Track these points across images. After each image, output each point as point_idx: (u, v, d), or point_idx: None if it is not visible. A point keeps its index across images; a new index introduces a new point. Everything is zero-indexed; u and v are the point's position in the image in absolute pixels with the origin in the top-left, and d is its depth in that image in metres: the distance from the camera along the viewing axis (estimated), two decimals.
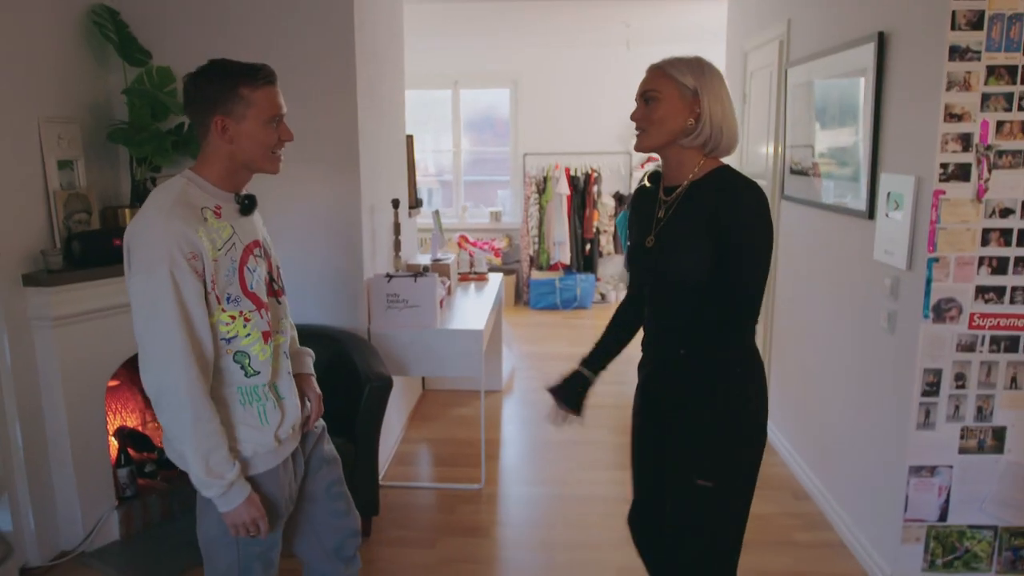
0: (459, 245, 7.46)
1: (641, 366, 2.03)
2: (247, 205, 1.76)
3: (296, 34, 3.27)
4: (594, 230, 7.60)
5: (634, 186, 7.10)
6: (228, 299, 1.68)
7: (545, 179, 7.49)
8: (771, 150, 4.08)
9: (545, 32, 6.40)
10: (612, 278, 7.81)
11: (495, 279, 4.70)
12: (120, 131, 3.10)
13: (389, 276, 3.40)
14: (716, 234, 1.73)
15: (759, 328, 4.23)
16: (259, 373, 1.75)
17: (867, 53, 2.81)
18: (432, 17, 5.38)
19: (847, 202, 3.05)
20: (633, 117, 1.84)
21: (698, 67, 1.80)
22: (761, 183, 4.18)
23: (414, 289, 3.39)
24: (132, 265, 1.61)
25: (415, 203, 4.49)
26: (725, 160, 1.87)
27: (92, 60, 3.20)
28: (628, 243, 2.05)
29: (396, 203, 3.68)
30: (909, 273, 2.56)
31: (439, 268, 4.00)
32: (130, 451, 3.25)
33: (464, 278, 4.58)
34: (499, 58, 7.56)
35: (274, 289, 1.85)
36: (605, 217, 7.66)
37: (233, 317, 1.69)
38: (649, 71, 1.84)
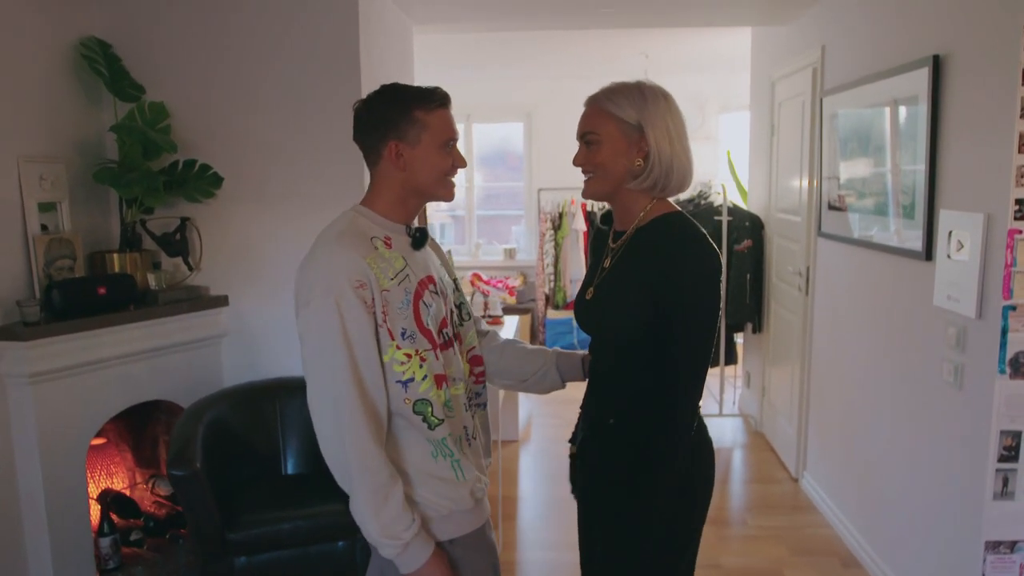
0: (472, 283, 7.23)
1: (576, 429, 1.81)
2: (419, 238, 1.62)
3: (298, 67, 3.07)
4: None
5: None
6: (403, 335, 1.52)
7: (560, 215, 7.24)
8: (805, 184, 3.83)
9: (560, 64, 6.23)
10: None
11: (510, 322, 4.45)
12: (107, 171, 2.88)
13: None
14: (652, 298, 1.50)
15: (795, 372, 3.95)
16: (442, 422, 1.57)
17: (920, 79, 2.57)
18: (442, 49, 5.21)
19: (899, 241, 2.79)
20: (575, 162, 1.64)
21: (640, 97, 1.56)
22: (794, 219, 3.99)
23: None
24: (298, 302, 1.51)
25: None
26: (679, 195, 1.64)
27: (81, 95, 3.00)
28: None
29: None
30: (979, 322, 2.28)
31: None
32: (114, 517, 2.98)
33: None
34: (513, 91, 7.40)
35: (454, 333, 1.67)
36: None
37: (409, 356, 1.52)
38: (586, 107, 1.62)
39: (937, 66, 2.49)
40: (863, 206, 3.12)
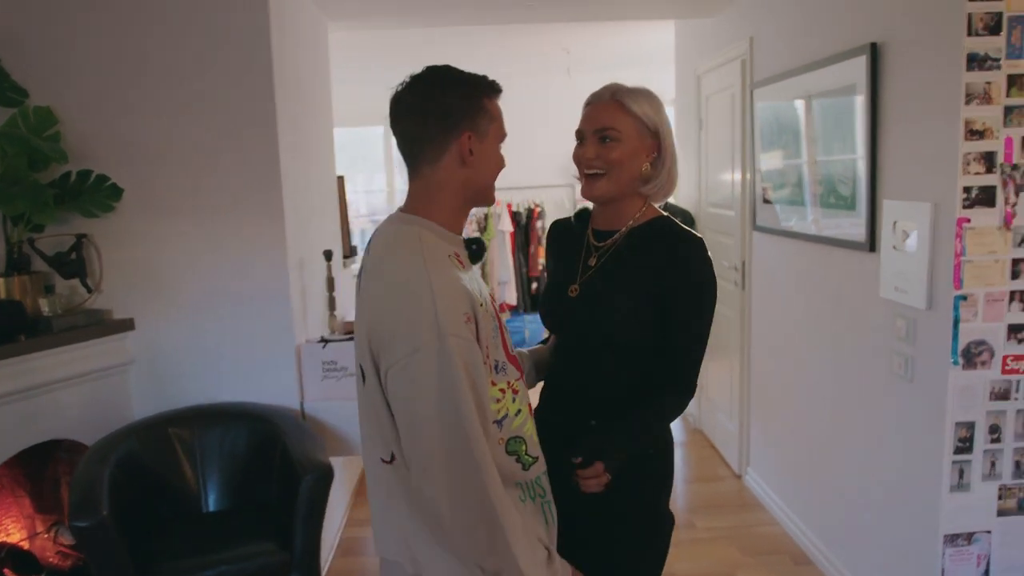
0: None
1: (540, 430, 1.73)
2: (476, 251, 1.48)
3: (205, 67, 2.81)
4: (540, 268, 7.25)
5: None
6: (496, 368, 1.35)
7: (486, 216, 7.11)
8: (737, 177, 3.79)
9: (481, 62, 6.05)
10: None
11: None
12: None
13: (324, 341, 2.93)
14: (657, 294, 1.53)
15: (734, 368, 3.91)
16: (537, 459, 1.41)
17: (857, 67, 2.53)
18: (359, 48, 4.98)
19: (841, 232, 2.75)
20: (584, 156, 1.57)
21: (654, 100, 1.59)
22: (727, 214, 3.95)
23: (353, 353, 2.92)
24: (396, 347, 1.25)
25: (349, 251, 4.03)
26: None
27: None
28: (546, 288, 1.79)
29: (329, 255, 3.23)
30: (930, 313, 2.25)
31: None
32: (8, 575, 2.66)
33: None
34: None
35: None
36: None
37: (503, 391, 1.36)
38: (601, 104, 1.58)
39: (875, 54, 2.45)
40: (800, 198, 3.08)
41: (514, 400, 1.37)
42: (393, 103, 1.37)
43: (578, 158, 1.58)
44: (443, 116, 1.33)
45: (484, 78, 1.39)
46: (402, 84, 1.37)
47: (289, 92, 2.98)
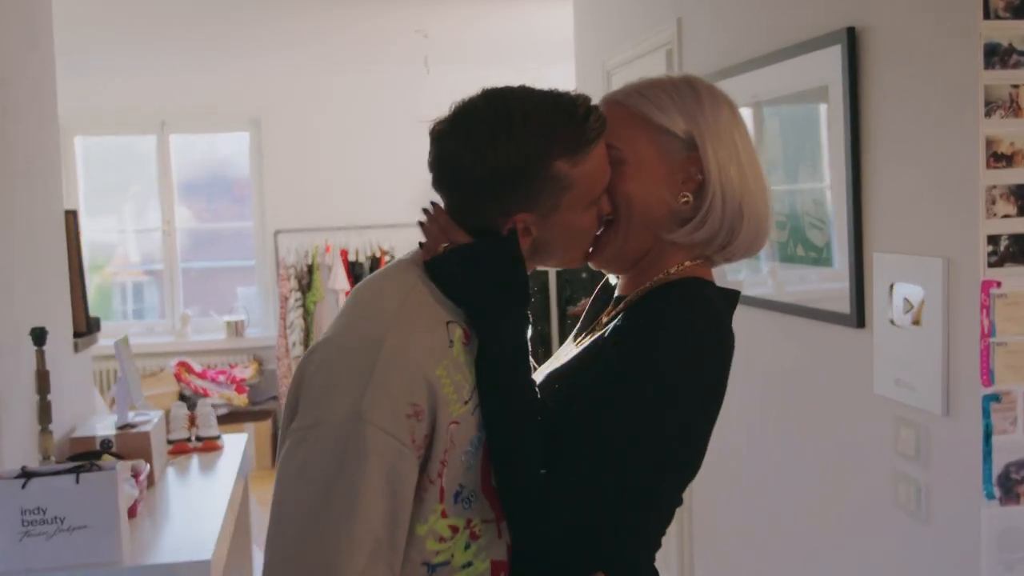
0: (177, 377, 6.67)
1: None
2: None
3: None
4: None
5: None
6: (457, 496, 1.38)
7: (310, 268, 7.12)
8: None
9: (302, 47, 6.10)
10: None
11: (234, 444, 3.94)
12: None
13: (25, 475, 2.56)
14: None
15: None
16: None
17: (828, 63, 2.53)
18: (124, 24, 4.71)
19: (808, 297, 2.75)
20: None
21: (692, 96, 1.50)
22: None
23: (75, 495, 2.57)
24: (301, 416, 1.35)
25: (86, 326, 3.67)
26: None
27: None
28: None
29: (39, 336, 2.87)
30: (947, 420, 2.18)
31: (130, 443, 3.19)
32: None
33: (180, 450, 3.76)
34: (232, 88, 7.18)
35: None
36: None
37: (455, 529, 1.39)
38: (602, 108, 1.52)
39: (853, 43, 2.45)
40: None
41: (467, 547, 1.38)
42: (431, 137, 1.42)
43: None
44: (484, 192, 1.38)
45: (567, 123, 1.36)
46: (446, 116, 1.41)
47: None
